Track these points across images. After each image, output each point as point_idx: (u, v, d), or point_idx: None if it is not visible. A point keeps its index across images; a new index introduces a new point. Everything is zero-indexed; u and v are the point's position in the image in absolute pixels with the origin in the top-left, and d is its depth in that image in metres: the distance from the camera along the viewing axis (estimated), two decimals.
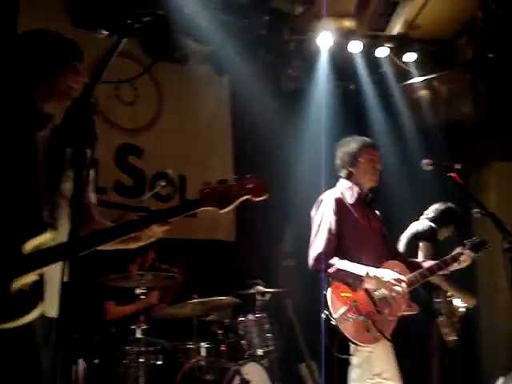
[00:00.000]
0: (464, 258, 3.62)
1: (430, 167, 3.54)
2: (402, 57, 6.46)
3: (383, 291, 3.24)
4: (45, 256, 2.03)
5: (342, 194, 3.52)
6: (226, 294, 4.63)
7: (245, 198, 2.24)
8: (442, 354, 3.80)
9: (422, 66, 6.51)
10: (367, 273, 3.20)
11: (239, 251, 6.18)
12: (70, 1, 5.19)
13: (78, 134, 1.54)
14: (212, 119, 6.37)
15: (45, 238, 2.06)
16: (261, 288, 4.92)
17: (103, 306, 4.60)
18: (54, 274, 2.04)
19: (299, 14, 5.85)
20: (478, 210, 3.56)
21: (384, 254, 3.54)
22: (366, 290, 3.25)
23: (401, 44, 6.39)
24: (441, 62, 6.56)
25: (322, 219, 3.40)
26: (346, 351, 3.19)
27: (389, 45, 6.33)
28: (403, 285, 3.24)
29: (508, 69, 6.06)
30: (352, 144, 3.63)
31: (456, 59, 6.47)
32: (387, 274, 3.25)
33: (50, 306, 2.02)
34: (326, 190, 3.56)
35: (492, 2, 5.64)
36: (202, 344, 4.47)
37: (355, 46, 6.27)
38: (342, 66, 6.54)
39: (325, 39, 6.16)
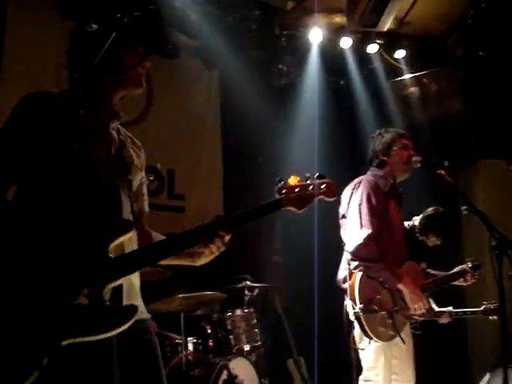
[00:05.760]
0: (469, 277, 3.78)
1: (418, 164, 3.54)
2: (392, 53, 6.47)
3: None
4: (133, 260, 1.89)
5: (376, 180, 3.52)
6: (214, 289, 4.62)
7: (319, 197, 2.13)
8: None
9: (412, 62, 6.52)
10: (401, 283, 3.27)
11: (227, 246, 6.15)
12: None
13: (67, 128, 1.51)
14: (201, 114, 6.33)
15: (126, 238, 1.92)
16: (249, 283, 4.92)
17: None
18: (133, 277, 1.98)
19: (290, 10, 5.82)
20: (466, 207, 3.56)
21: (406, 249, 3.57)
22: (391, 289, 3.28)
23: (391, 41, 6.39)
24: (431, 59, 6.57)
25: (363, 199, 3.36)
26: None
27: (379, 41, 6.33)
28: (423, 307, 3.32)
29: (498, 67, 6.08)
30: (385, 134, 3.66)
31: (446, 56, 6.49)
32: (416, 294, 3.31)
33: None
34: None
35: None
36: (190, 339, 4.48)
37: (346, 42, 6.27)
38: (332, 61, 6.55)
39: (316, 35, 6.14)
